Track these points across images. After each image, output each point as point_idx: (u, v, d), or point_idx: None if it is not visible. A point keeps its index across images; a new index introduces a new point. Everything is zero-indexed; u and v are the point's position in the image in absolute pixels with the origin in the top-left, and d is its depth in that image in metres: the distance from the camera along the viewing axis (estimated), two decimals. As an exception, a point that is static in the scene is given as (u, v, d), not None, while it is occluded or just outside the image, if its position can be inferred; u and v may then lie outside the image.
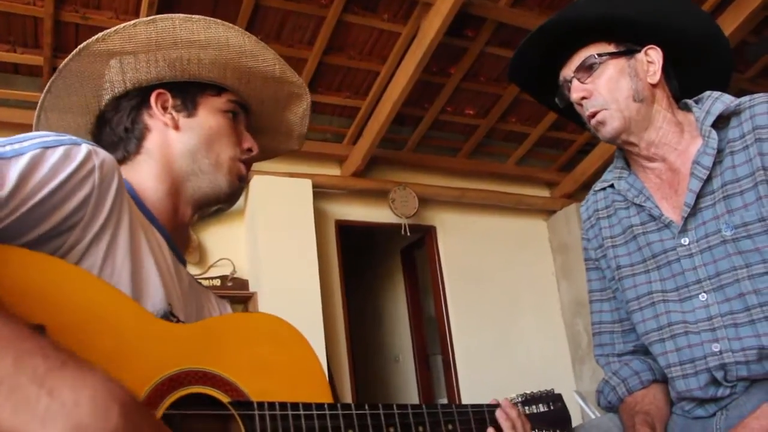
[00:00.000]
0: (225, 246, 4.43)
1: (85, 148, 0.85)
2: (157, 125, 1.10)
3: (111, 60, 1.05)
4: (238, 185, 1.15)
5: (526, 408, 1.21)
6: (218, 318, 0.98)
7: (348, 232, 5.11)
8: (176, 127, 1.10)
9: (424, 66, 4.14)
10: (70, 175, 0.81)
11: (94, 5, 3.65)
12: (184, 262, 1.10)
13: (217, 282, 4.21)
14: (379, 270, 6.92)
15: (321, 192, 4.84)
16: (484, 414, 1.14)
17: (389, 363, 6.73)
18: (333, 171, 5.03)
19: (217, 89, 1.15)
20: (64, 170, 0.81)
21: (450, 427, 1.06)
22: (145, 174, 1.06)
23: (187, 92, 1.12)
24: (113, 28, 1.03)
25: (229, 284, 4.25)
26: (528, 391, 1.24)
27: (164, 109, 1.10)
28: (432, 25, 3.90)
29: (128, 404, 0.61)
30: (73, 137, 0.86)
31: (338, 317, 4.67)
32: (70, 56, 1.03)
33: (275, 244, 4.34)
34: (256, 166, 4.87)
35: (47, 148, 0.80)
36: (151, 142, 1.09)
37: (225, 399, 0.85)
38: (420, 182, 5.28)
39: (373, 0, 4.00)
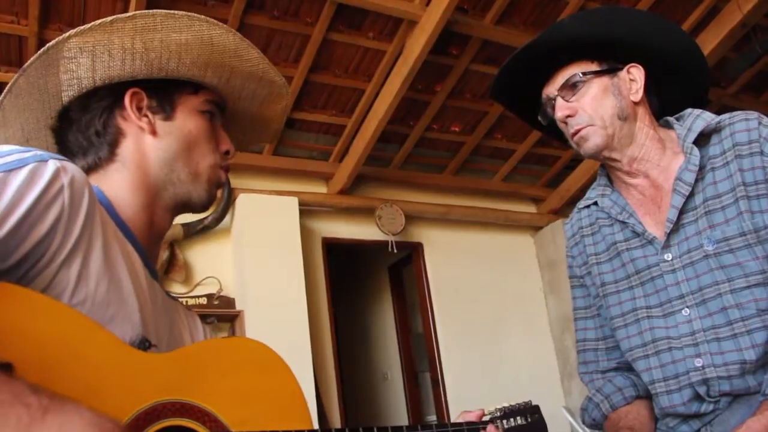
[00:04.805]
0: (211, 264, 4.39)
1: (52, 164, 0.78)
2: (132, 130, 1.01)
3: (81, 58, 0.95)
4: (215, 194, 1.08)
5: (505, 422, 1.18)
6: (196, 345, 0.94)
7: (335, 249, 5.09)
8: (153, 132, 1.01)
9: (409, 84, 4.16)
10: (38, 198, 0.75)
11: (78, 24, 3.63)
12: (156, 276, 1.02)
13: (204, 300, 4.17)
14: (366, 287, 6.89)
15: (307, 210, 4.83)
16: None
17: (378, 380, 6.69)
18: (319, 189, 5.02)
19: (195, 87, 1.06)
20: (31, 193, 0.74)
21: None
22: (119, 184, 0.98)
23: (164, 91, 1.03)
24: (88, 25, 0.93)
25: (216, 302, 4.21)
26: (506, 404, 1.21)
27: (139, 110, 1.01)
28: (417, 42, 3.92)
29: None
30: (38, 152, 0.80)
31: (326, 335, 4.65)
32: (36, 55, 0.93)
33: (262, 262, 4.32)
34: (242, 184, 4.80)
35: (10, 171, 0.74)
36: (126, 149, 1.00)
37: (203, 431, 0.83)
38: (406, 199, 5.28)
39: (359, 18, 4.01)
